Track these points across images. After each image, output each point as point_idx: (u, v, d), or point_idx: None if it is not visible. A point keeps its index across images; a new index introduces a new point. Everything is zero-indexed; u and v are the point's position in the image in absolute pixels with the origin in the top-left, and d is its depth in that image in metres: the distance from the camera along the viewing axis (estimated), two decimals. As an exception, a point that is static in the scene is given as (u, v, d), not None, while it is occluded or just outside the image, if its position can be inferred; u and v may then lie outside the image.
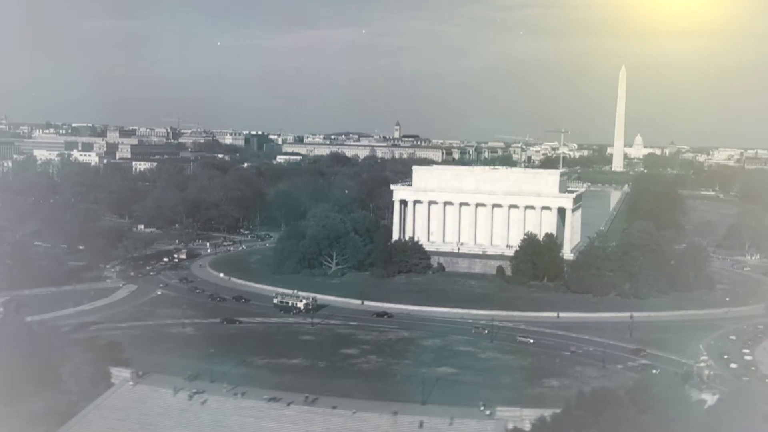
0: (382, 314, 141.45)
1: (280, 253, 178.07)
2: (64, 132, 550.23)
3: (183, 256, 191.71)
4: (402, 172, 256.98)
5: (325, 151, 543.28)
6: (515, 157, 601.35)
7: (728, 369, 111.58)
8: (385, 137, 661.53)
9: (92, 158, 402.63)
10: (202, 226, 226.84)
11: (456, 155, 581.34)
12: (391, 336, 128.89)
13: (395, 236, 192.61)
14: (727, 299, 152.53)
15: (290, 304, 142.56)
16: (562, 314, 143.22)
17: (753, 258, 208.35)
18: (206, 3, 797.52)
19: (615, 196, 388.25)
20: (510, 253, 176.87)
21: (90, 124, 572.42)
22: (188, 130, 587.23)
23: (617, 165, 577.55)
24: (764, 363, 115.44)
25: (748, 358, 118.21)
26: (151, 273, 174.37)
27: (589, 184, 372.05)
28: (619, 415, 79.35)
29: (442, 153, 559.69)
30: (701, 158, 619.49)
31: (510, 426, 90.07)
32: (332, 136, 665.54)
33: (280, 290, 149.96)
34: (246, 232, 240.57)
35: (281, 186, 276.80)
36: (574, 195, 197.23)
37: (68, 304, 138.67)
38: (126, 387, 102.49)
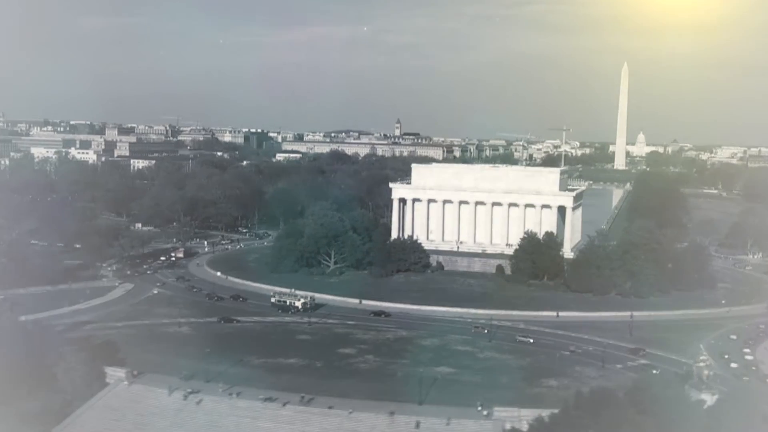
0: (379, 313, 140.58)
1: (278, 252, 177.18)
2: (62, 129, 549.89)
3: (180, 255, 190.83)
4: (402, 170, 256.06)
5: (325, 149, 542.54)
6: (517, 155, 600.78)
7: (728, 369, 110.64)
8: (385, 135, 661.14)
9: (90, 156, 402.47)
10: (200, 224, 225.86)
11: (457, 153, 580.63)
12: (389, 335, 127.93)
13: (394, 235, 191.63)
14: (723, 302, 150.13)
15: (288, 303, 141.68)
16: (561, 313, 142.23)
17: (755, 257, 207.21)
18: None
19: (617, 195, 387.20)
20: (510, 251, 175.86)
21: (88, 122, 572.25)
22: (187, 127, 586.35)
23: (619, 163, 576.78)
24: (765, 363, 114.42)
25: (748, 357, 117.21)
26: (148, 272, 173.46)
27: (591, 182, 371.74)
28: (618, 415, 78.38)
29: (443, 151, 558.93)
30: (704, 156, 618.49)
31: (508, 426, 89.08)
32: (332, 134, 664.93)
33: (278, 289, 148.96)
34: (244, 230, 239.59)
35: (280, 184, 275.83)
36: (574, 193, 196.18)
37: (63, 303, 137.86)
38: (121, 387, 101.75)
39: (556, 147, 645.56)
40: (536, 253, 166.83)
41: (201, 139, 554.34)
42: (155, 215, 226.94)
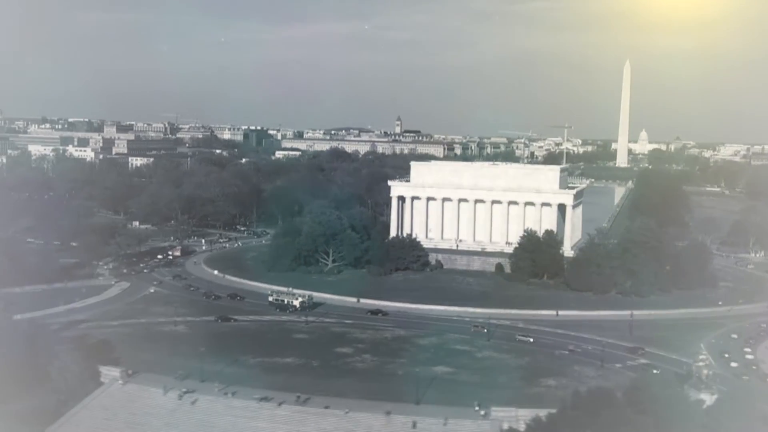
0: (376, 312, 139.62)
1: (275, 250, 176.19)
2: (60, 127, 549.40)
3: (177, 253, 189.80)
4: (402, 168, 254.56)
5: (324, 146, 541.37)
6: (518, 152, 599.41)
7: (728, 368, 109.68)
8: (386, 132, 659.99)
9: (88, 154, 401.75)
10: (197, 222, 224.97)
11: (458, 151, 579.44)
12: (387, 334, 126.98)
13: (393, 233, 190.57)
14: (720, 303, 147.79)
15: (286, 302, 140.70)
16: (561, 312, 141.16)
17: (757, 255, 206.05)
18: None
19: (619, 193, 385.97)
20: (509, 250, 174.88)
21: (87, 120, 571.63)
22: (186, 125, 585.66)
23: (621, 161, 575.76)
24: (765, 362, 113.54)
25: (749, 356, 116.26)
26: (145, 270, 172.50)
27: (593, 180, 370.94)
28: (616, 415, 77.47)
29: (444, 148, 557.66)
30: (707, 154, 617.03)
31: (505, 426, 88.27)
32: (332, 132, 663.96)
33: (276, 288, 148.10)
34: (242, 228, 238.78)
35: (279, 182, 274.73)
36: (574, 191, 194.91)
37: (59, 302, 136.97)
38: (115, 386, 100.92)
39: (558, 144, 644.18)
40: (536, 252, 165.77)
41: (200, 136, 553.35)
42: (153, 213, 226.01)
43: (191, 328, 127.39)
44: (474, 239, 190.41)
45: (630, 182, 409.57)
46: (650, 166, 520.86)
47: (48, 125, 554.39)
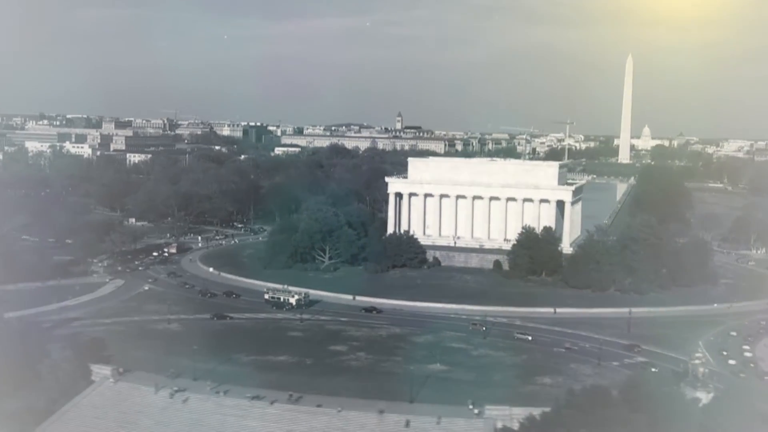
0: (370, 309, 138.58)
1: (271, 248, 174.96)
2: (58, 123, 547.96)
3: (173, 251, 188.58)
4: (402, 164, 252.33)
5: (324, 142, 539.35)
6: (520, 148, 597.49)
7: (726, 366, 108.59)
8: (386, 129, 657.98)
9: (85, 150, 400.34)
10: (194, 219, 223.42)
11: (459, 147, 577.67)
12: (382, 332, 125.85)
13: (390, 230, 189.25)
14: (715, 305, 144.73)
15: (282, 299, 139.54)
16: (559, 310, 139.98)
17: (758, 252, 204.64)
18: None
19: (621, 189, 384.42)
20: (508, 247, 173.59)
21: (85, 116, 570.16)
22: (185, 121, 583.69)
23: (624, 157, 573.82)
24: (764, 360, 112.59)
25: (747, 354, 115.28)
26: (140, 268, 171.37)
27: (595, 176, 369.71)
28: (611, 413, 76.34)
29: (445, 145, 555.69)
30: (710, 150, 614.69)
31: (499, 425, 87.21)
32: (332, 128, 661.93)
33: (272, 285, 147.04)
34: (239, 225, 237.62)
35: (277, 179, 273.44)
36: (573, 187, 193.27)
37: (52, 300, 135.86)
38: (106, 384, 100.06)
39: (559, 141, 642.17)
40: (534, 249, 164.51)
41: (199, 132, 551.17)
42: (149, 210, 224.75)
43: (185, 326, 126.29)
44: (472, 236, 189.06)
45: (632, 178, 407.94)
46: (653, 162, 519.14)
47: (46, 122, 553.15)
